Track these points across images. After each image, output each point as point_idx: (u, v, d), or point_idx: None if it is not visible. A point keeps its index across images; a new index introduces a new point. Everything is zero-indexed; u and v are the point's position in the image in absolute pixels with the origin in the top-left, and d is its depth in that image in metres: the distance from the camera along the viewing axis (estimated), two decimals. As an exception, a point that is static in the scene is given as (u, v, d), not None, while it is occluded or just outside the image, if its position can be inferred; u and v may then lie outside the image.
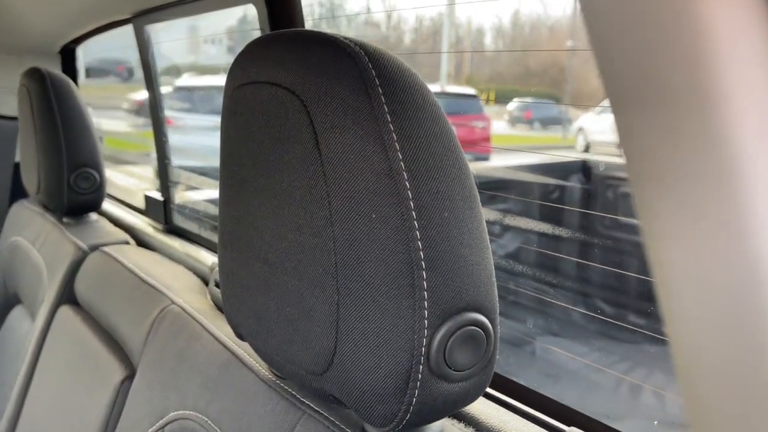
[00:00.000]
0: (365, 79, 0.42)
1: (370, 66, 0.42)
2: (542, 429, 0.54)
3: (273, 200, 0.48)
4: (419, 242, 0.42)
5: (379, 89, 0.42)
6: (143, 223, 1.37)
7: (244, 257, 0.53)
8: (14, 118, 1.64)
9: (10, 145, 1.65)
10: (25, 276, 1.33)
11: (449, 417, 0.56)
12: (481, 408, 0.58)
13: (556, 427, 0.56)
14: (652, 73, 0.25)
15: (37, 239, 1.33)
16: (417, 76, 0.45)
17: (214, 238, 1.18)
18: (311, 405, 0.56)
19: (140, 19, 1.25)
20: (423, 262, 0.42)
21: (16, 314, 1.41)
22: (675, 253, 0.26)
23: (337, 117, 0.42)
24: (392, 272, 0.42)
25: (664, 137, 0.25)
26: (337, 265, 0.44)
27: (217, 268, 0.89)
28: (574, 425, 0.57)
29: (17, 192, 1.66)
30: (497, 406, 0.59)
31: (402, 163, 0.41)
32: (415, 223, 0.41)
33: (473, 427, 0.55)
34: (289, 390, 0.59)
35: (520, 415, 0.58)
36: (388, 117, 0.41)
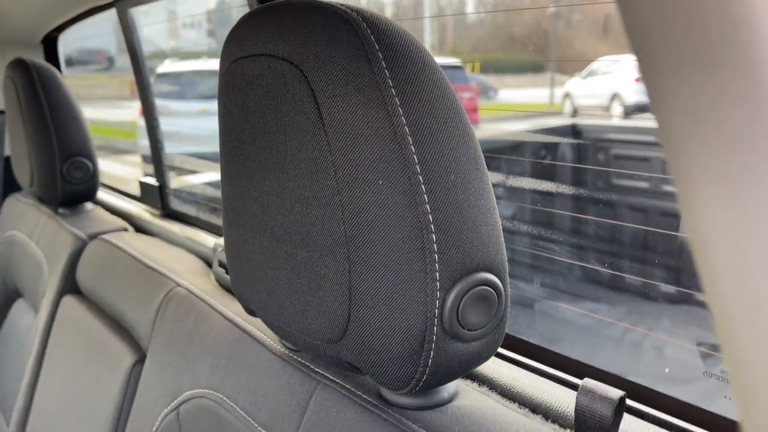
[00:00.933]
0: (365, 45, 0.42)
1: (369, 31, 0.42)
2: (555, 383, 0.56)
3: (277, 174, 0.49)
4: (427, 206, 0.42)
5: (379, 54, 0.42)
6: (140, 210, 1.37)
7: (251, 233, 0.53)
8: (1, 112, 1.62)
9: (-1, 139, 1.63)
10: (25, 269, 1.32)
11: (463, 378, 0.56)
12: (493, 367, 0.59)
13: (568, 381, 0.57)
14: (690, 29, 0.22)
15: (34, 231, 1.33)
16: (416, 39, 0.45)
17: (213, 220, 1.18)
18: (326, 375, 0.57)
19: (123, 2, 1.24)
20: (432, 225, 0.42)
21: (18, 308, 1.41)
22: (717, 225, 0.23)
23: (339, 85, 0.42)
24: (402, 237, 0.42)
25: (704, 99, 0.22)
26: (347, 233, 0.44)
27: (220, 249, 0.89)
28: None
29: (9, 186, 1.65)
30: (509, 364, 0.60)
31: (406, 128, 0.41)
32: (422, 186, 0.42)
33: (487, 386, 0.56)
34: (303, 362, 0.60)
35: (532, 372, 0.59)
36: (390, 82, 0.41)
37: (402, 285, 0.43)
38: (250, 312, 0.60)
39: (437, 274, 0.43)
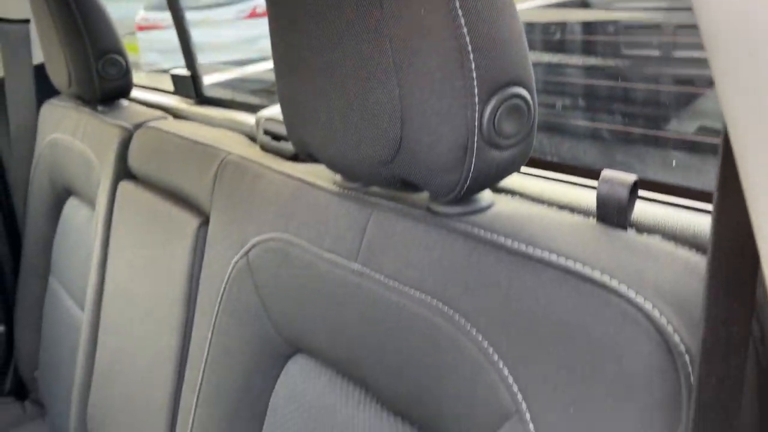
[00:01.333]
0: None
1: None
2: (577, 187, 0.65)
3: (326, 20, 0.56)
4: (465, 29, 0.49)
5: None
6: (175, 101, 1.44)
7: (304, 79, 0.61)
8: (24, 21, 1.66)
9: (25, 48, 1.69)
10: (73, 168, 1.42)
11: (497, 192, 0.65)
12: (522, 181, 0.68)
13: (589, 185, 0.66)
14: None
15: (77, 130, 1.41)
16: None
17: (251, 100, 1.25)
18: (380, 201, 0.66)
19: None
20: (469, 47, 0.49)
21: (71, 206, 1.52)
22: None
23: None
24: (444, 58, 0.50)
25: None
26: (395, 63, 0.52)
27: (264, 118, 0.97)
28: None
29: (42, 94, 1.72)
30: (535, 178, 0.69)
31: None
32: (459, 11, 0.49)
33: (518, 196, 0.65)
34: (358, 194, 0.69)
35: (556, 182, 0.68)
36: None
37: (446, 102, 0.51)
38: (307, 156, 0.69)
39: (476, 89, 0.51)
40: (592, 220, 0.55)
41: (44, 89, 1.66)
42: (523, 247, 0.51)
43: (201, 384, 0.87)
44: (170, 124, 1.18)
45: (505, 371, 0.49)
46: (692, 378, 0.39)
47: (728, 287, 0.33)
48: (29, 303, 1.64)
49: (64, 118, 1.50)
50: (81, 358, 1.28)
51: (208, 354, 0.86)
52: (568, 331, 0.46)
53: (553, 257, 0.49)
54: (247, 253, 0.82)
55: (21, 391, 1.77)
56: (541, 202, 0.62)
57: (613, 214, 0.53)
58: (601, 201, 0.54)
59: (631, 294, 0.44)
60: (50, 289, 1.57)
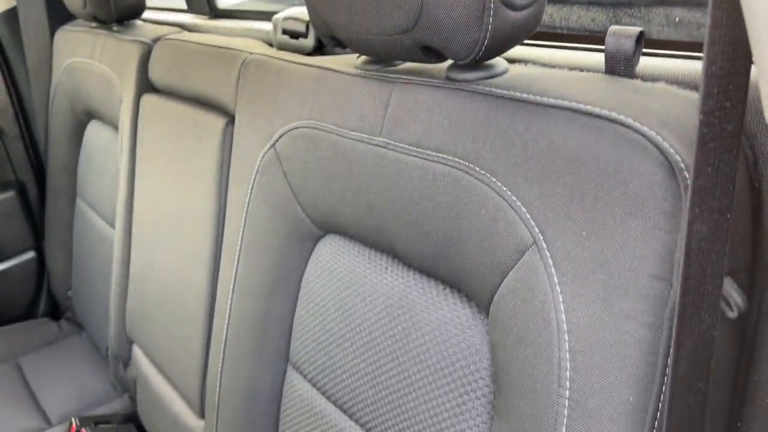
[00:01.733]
0: None
1: None
2: (586, 52, 0.69)
3: None
4: None
5: None
6: (190, 18, 1.47)
7: None
8: None
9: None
10: (93, 89, 1.46)
11: (511, 63, 0.70)
12: (532, 51, 0.72)
13: (598, 48, 0.70)
14: None
15: (94, 52, 1.44)
16: None
17: (266, 8, 1.27)
18: (401, 76, 0.71)
19: None
20: None
21: (93, 129, 1.57)
22: None
23: None
24: None
25: None
26: None
27: (282, 18, 1.01)
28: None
29: (53, 21, 1.74)
30: (547, 47, 0.74)
31: None
32: None
33: (531, 64, 0.69)
34: (378, 74, 0.74)
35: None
36: None
37: None
38: (330, 40, 0.73)
39: None
40: (601, 74, 0.60)
41: (55, 17, 1.68)
42: (538, 98, 0.56)
43: (236, 273, 0.93)
44: (188, 36, 1.22)
45: (523, 209, 0.55)
46: (689, 174, 0.44)
47: (722, 85, 0.37)
48: (58, 227, 1.71)
49: (79, 43, 1.53)
50: (115, 271, 1.35)
51: (241, 244, 0.93)
52: (579, 162, 0.51)
53: (565, 102, 0.54)
54: (274, 144, 0.87)
55: (55, 311, 1.86)
56: (552, 67, 0.67)
57: (620, 65, 0.57)
58: (608, 53, 0.58)
59: (637, 124, 0.49)
60: (78, 211, 1.64)
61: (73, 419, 1.29)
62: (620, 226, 0.49)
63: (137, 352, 1.31)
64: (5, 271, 1.77)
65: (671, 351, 0.41)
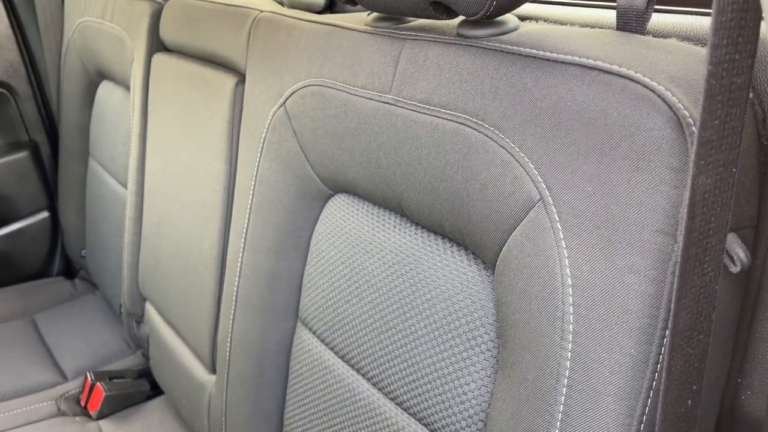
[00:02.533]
0: None
1: None
2: (598, 9, 0.68)
3: None
4: None
5: None
6: None
7: None
8: None
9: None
10: (105, 49, 1.46)
11: (521, 21, 0.69)
12: (543, 9, 0.71)
13: (610, 5, 0.69)
14: None
15: (105, 12, 1.44)
16: None
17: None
18: (410, 33, 0.70)
19: None
20: None
21: (104, 89, 1.57)
22: None
23: None
24: None
25: None
26: None
27: None
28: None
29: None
30: (558, 5, 0.73)
31: None
32: None
33: (542, 21, 0.69)
34: (389, 31, 0.73)
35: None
36: None
37: None
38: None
39: None
40: (612, 31, 0.59)
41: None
42: (548, 54, 0.56)
43: (247, 230, 0.95)
44: None
45: (530, 165, 0.55)
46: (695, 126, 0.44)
47: (731, 37, 0.37)
48: (71, 186, 1.73)
49: (90, 2, 1.53)
50: (128, 229, 1.37)
51: (252, 201, 0.93)
52: (587, 117, 0.51)
53: (575, 58, 0.54)
54: (284, 102, 0.87)
55: (70, 270, 1.89)
56: (564, 24, 0.66)
57: (631, 21, 0.57)
58: (620, 10, 0.57)
59: (646, 79, 0.49)
60: (91, 170, 1.65)
61: (88, 374, 1.32)
62: (627, 182, 0.49)
63: (150, 309, 1.34)
64: (20, 231, 1.80)
65: (672, 303, 0.42)
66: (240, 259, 0.96)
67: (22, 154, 1.76)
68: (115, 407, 1.30)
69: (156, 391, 1.36)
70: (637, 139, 0.48)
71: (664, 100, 0.48)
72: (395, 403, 0.73)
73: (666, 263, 0.48)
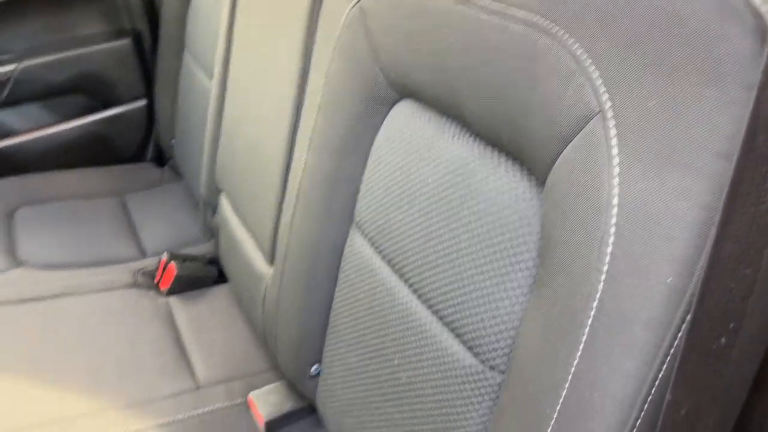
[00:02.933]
0: None
1: None
2: None
3: None
4: None
5: None
6: None
7: None
8: None
9: None
10: None
11: None
12: None
13: None
14: None
15: None
16: None
17: None
18: None
19: None
20: None
21: None
22: None
23: None
24: None
25: None
26: None
27: None
28: None
29: None
30: None
31: None
32: None
33: None
34: None
35: None
36: None
37: None
38: None
39: None
40: None
41: None
42: None
43: (314, 128, 0.95)
44: None
45: (595, 74, 0.51)
46: None
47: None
48: (167, 77, 1.79)
49: None
50: (210, 122, 1.41)
51: (321, 102, 0.93)
52: (663, 25, 0.46)
53: None
54: (359, 0, 0.85)
55: (160, 157, 1.98)
56: None
57: None
58: None
59: None
60: (184, 62, 1.70)
61: (165, 254, 1.40)
62: (694, 98, 0.44)
63: (223, 200, 1.39)
64: (119, 116, 1.89)
65: (716, 227, 0.38)
66: (305, 158, 0.97)
67: (124, 42, 1.83)
68: (183, 287, 1.37)
69: (222, 279, 1.43)
70: (713, 51, 0.43)
71: (750, 7, 0.42)
72: (431, 311, 0.73)
73: (723, 190, 0.43)
